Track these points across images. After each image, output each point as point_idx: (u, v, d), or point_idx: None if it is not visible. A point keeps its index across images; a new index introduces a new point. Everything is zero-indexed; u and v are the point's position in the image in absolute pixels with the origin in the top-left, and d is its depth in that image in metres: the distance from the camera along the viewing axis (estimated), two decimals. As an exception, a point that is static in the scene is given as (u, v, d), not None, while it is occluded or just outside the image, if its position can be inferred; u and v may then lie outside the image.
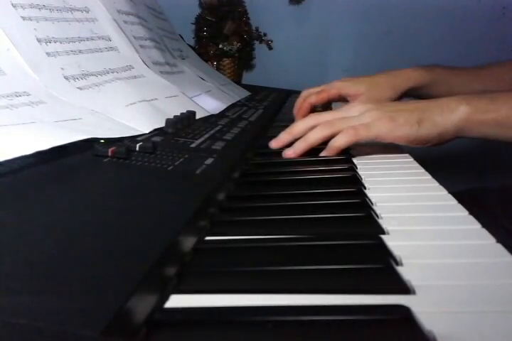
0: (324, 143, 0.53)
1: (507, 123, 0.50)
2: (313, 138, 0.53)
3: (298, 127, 0.55)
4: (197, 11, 1.35)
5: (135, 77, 0.61)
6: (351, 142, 0.51)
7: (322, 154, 0.53)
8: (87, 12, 0.59)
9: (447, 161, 1.36)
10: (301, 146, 0.53)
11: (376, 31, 1.41)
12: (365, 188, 0.42)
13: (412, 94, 0.77)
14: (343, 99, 0.76)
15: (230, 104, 0.84)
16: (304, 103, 0.74)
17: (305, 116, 0.71)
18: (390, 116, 0.51)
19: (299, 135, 0.54)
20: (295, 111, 0.76)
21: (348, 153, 0.55)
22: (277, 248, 0.30)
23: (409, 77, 0.74)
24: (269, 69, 1.46)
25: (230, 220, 0.36)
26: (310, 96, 0.74)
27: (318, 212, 0.36)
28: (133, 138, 0.46)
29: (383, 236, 0.30)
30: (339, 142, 0.51)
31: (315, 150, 0.54)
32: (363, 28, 1.42)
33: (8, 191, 0.31)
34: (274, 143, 0.56)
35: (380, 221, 0.34)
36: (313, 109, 0.75)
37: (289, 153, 0.53)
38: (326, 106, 0.85)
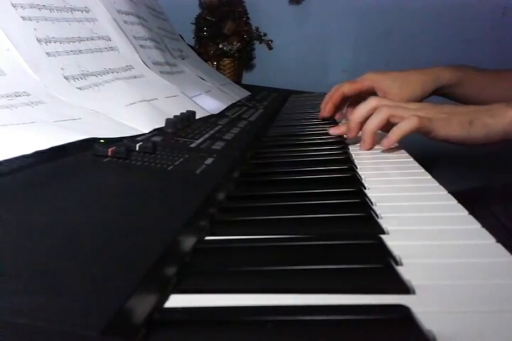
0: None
1: None
2: (372, 125, 0.56)
3: (360, 111, 0.58)
4: (197, 11, 1.35)
5: (135, 77, 0.61)
6: (414, 129, 0.53)
7: (384, 142, 0.55)
8: (87, 12, 0.59)
9: (447, 161, 1.36)
10: (367, 138, 0.57)
11: (376, 31, 1.41)
12: (365, 188, 0.42)
13: (440, 92, 0.77)
14: (373, 93, 0.75)
15: (230, 104, 0.84)
16: (337, 91, 0.74)
17: (336, 104, 0.74)
18: (446, 117, 0.55)
19: (362, 118, 0.58)
20: (323, 104, 0.77)
21: (347, 153, 0.55)
22: (277, 248, 0.30)
23: (439, 76, 0.75)
24: (269, 69, 1.46)
25: (230, 220, 0.36)
26: (343, 85, 0.74)
27: (318, 212, 0.36)
28: (133, 138, 0.46)
29: (383, 236, 0.30)
30: (403, 128, 0.53)
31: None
32: (362, 28, 1.42)
33: (8, 191, 0.31)
34: (351, 135, 0.60)
35: (380, 221, 0.34)
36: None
37: (366, 148, 0.57)
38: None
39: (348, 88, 0.73)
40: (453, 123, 0.54)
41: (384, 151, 0.57)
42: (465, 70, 0.77)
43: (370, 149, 0.58)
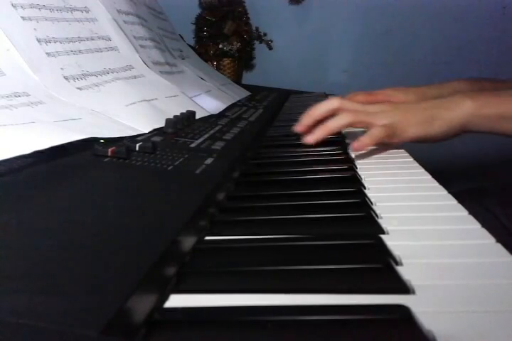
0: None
1: (510, 117, 0.52)
2: (334, 125, 0.54)
3: (319, 110, 0.57)
4: (197, 11, 1.35)
5: (135, 77, 0.61)
6: (380, 139, 0.52)
7: (354, 145, 0.53)
8: (87, 12, 0.59)
9: (447, 161, 1.36)
10: (321, 133, 0.55)
11: (376, 31, 1.41)
12: (365, 188, 0.42)
13: None
14: None
15: (230, 104, 0.84)
16: (350, 97, 0.73)
17: None
18: (406, 117, 0.54)
19: (320, 117, 0.57)
20: None
21: (347, 153, 0.55)
22: (277, 248, 0.30)
23: (456, 90, 0.74)
24: (269, 69, 1.46)
25: (230, 220, 0.36)
26: (358, 93, 0.73)
27: (318, 212, 0.36)
28: (133, 138, 0.46)
29: (383, 236, 0.30)
30: (372, 137, 0.52)
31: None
32: (362, 28, 1.42)
33: (8, 191, 0.31)
34: (298, 127, 0.58)
35: (380, 221, 0.34)
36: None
37: (309, 139, 0.55)
38: None
39: (362, 97, 0.72)
40: (413, 124, 0.53)
41: (384, 151, 0.57)
42: (484, 83, 0.77)
43: (312, 143, 0.55)
